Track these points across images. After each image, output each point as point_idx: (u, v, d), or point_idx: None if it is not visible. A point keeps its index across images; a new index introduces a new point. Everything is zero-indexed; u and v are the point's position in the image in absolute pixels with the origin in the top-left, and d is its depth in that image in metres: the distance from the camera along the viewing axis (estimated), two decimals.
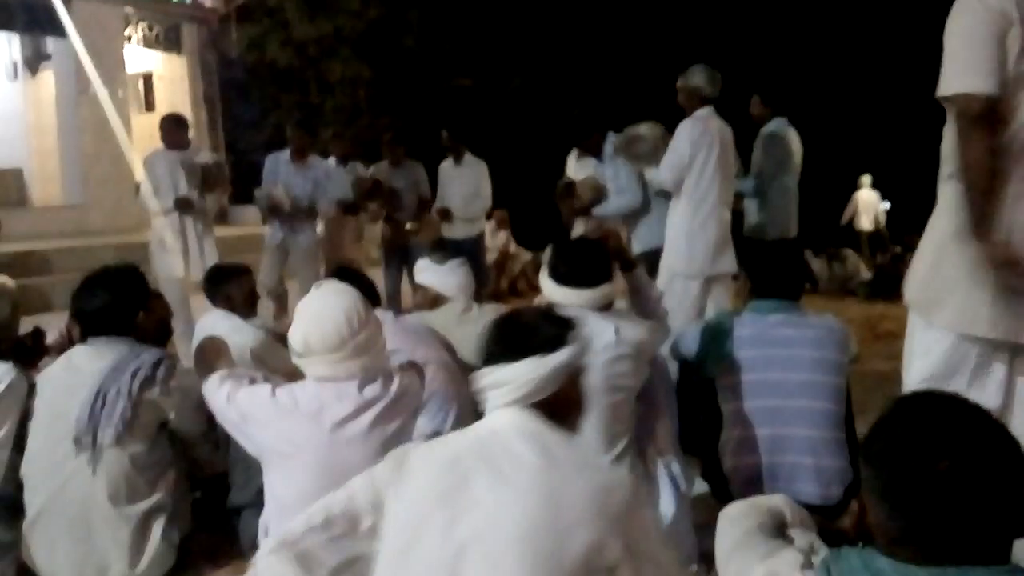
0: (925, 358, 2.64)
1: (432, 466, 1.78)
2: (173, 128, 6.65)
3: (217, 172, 6.77)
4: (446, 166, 7.40)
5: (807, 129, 6.16)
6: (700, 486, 3.09)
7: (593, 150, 5.65)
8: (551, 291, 2.81)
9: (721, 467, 3.03)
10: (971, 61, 2.46)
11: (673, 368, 3.28)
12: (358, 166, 7.56)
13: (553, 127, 5.42)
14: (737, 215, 5.45)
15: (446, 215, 7.27)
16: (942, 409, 1.38)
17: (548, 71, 14.97)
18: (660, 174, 4.96)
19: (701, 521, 2.82)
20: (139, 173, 6.72)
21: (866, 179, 14.54)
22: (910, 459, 1.33)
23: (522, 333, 1.91)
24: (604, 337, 2.69)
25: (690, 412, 3.03)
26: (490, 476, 1.71)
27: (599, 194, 5.51)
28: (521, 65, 15.51)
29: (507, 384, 1.84)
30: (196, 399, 2.92)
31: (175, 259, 6.55)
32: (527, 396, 1.84)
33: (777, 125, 5.94)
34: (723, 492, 3.02)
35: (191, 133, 7.22)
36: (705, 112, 4.90)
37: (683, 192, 4.84)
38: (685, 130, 4.87)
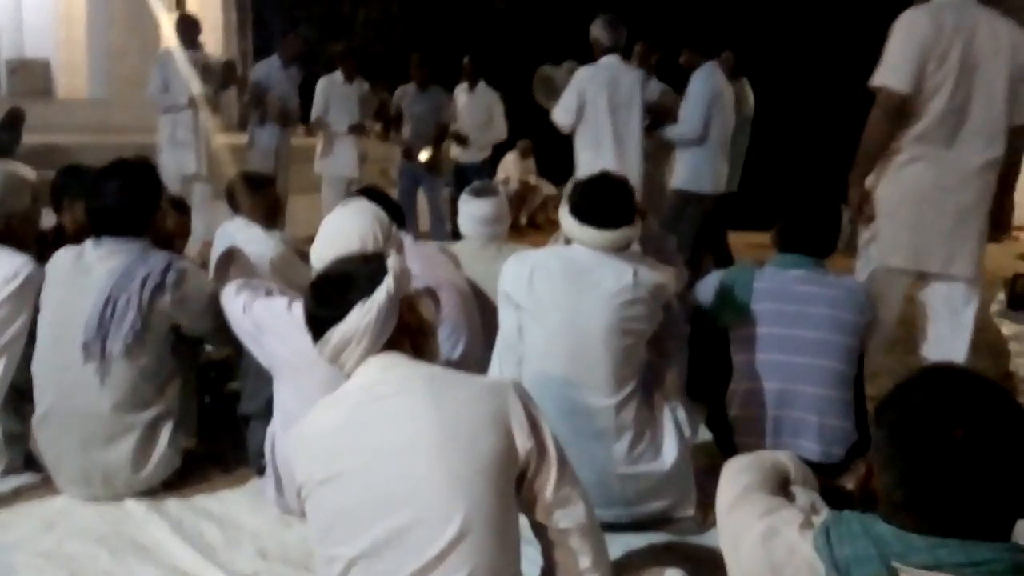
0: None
1: (321, 443, 1.81)
2: (187, 28, 6.92)
3: (230, 71, 7.11)
4: (460, 92, 7.55)
5: (832, 98, 6.19)
6: (704, 434, 3.11)
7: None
8: (570, 228, 2.78)
9: (726, 416, 3.05)
10: (899, 64, 3.26)
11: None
12: (363, 84, 7.55)
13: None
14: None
15: (461, 140, 7.36)
16: (960, 380, 1.37)
17: None
18: (557, 115, 5.30)
19: (702, 468, 2.85)
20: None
21: None
22: (924, 425, 1.33)
23: (338, 286, 1.90)
24: (622, 279, 2.68)
25: (700, 360, 3.03)
26: (383, 424, 1.77)
27: (667, 113, 5.64)
28: None
29: (349, 342, 1.85)
30: (207, 301, 2.92)
31: (188, 155, 6.67)
32: (374, 344, 1.86)
33: (708, 70, 5.74)
34: (726, 442, 3.04)
35: (220, 35, 7.30)
36: (605, 60, 5.26)
37: (577, 136, 5.25)
38: (576, 76, 5.28)
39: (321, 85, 7.38)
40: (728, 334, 3.06)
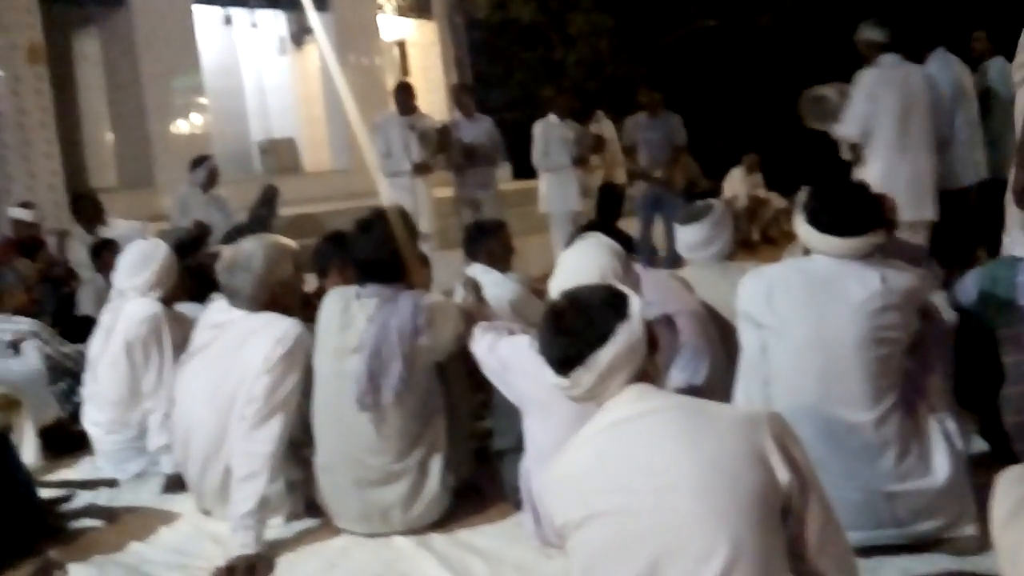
0: None
1: (576, 483, 1.81)
2: (402, 94, 7.34)
3: (446, 136, 7.33)
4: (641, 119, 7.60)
5: None
6: (979, 444, 2.89)
7: None
8: (810, 238, 2.68)
9: (1002, 424, 2.81)
10: None
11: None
12: (573, 123, 7.76)
13: (807, 64, 5.21)
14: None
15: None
16: None
17: (799, 4, 14.19)
18: (844, 128, 5.00)
19: (979, 482, 2.63)
20: (362, 137, 7.34)
21: None
22: None
23: (589, 317, 1.84)
24: (869, 287, 2.55)
25: (968, 365, 2.82)
26: (639, 458, 1.75)
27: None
28: (768, 1, 14.81)
29: (614, 367, 1.81)
30: (455, 324, 3.07)
31: None
32: (636, 367, 1.83)
33: (938, 62, 5.48)
34: (1004, 451, 2.81)
35: (443, 96, 7.73)
36: (887, 59, 4.96)
37: (869, 145, 4.93)
38: (861, 81, 4.95)
39: (538, 128, 7.64)
40: (995, 335, 2.84)
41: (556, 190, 7.60)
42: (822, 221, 2.62)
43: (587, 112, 8.06)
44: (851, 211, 2.61)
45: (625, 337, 1.82)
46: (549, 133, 7.60)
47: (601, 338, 1.81)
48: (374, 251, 3.07)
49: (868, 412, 2.51)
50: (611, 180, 8.33)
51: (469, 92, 8.09)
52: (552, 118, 7.64)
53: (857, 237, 2.58)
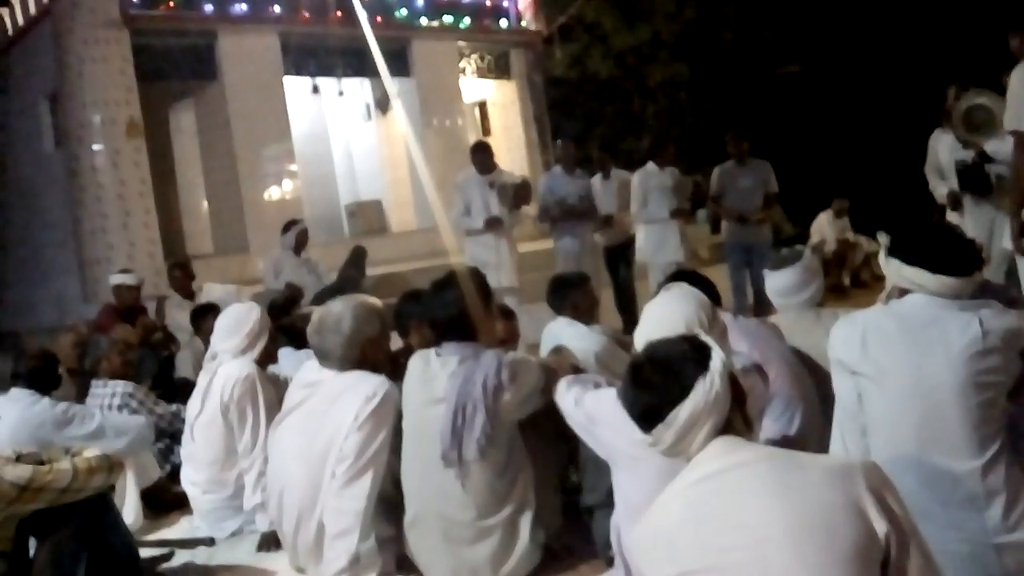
0: None
1: (667, 540, 1.77)
2: (480, 154, 7.32)
3: (524, 191, 7.28)
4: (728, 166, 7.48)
5: None
6: None
7: None
8: (918, 277, 2.54)
9: None
10: None
11: None
12: (673, 172, 7.66)
13: (893, 105, 5.05)
14: None
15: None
16: None
17: (882, 45, 14.00)
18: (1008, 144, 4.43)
19: None
20: (431, 196, 7.34)
21: None
22: None
23: (668, 372, 1.83)
24: (968, 331, 2.46)
25: None
26: (730, 514, 1.71)
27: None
28: (850, 43, 14.64)
29: (697, 421, 1.79)
30: (538, 380, 3.04)
31: (490, 272, 7.03)
32: (719, 420, 1.80)
33: None
34: None
35: (524, 152, 7.75)
36: None
37: None
38: None
39: (636, 178, 7.59)
40: None
41: (655, 240, 7.51)
42: (936, 261, 2.51)
43: (603, 164, 7.99)
44: (961, 251, 2.54)
45: (703, 391, 1.80)
46: (648, 183, 7.52)
47: (680, 393, 1.80)
48: (447, 310, 3.10)
49: (972, 460, 2.41)
50: (625, 231, 8.03)
51: (573, 147, 8.01)
52: (651, 167, 7.59)
53: (966, 278, 2.51)
